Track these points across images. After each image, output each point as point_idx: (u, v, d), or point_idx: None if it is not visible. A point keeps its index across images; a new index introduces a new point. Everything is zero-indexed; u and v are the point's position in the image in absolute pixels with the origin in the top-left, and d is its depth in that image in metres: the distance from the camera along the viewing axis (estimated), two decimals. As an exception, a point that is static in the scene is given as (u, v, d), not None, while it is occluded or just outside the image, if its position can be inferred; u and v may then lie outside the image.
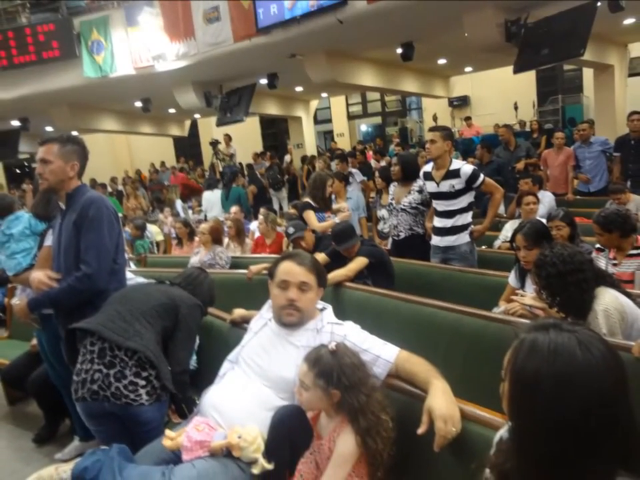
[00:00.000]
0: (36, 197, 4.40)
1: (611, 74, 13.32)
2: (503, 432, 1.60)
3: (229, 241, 7.21)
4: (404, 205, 5.66)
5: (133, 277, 4.39)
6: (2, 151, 15.56)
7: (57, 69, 12.57)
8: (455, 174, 5.01)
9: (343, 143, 21.82)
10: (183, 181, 16.36)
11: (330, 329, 2.61)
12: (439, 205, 5.20)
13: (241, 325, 3.40)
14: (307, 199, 6.11)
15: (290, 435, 2.28)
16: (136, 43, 12.22)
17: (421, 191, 5.59)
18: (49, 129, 16.24)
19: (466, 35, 9.95)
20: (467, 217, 5.14)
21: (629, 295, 3.09)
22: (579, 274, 2.93)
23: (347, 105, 24.51)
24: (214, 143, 15.45)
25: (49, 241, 3.75)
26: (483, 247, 5.82)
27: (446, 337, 3.37)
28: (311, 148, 18.58)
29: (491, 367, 1.67)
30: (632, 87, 14.48)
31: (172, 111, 16.76)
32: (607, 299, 2.93)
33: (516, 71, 9.85)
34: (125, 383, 2.71)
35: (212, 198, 10.99)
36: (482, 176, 5.06)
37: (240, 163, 16.77)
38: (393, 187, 6.02)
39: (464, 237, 5.09)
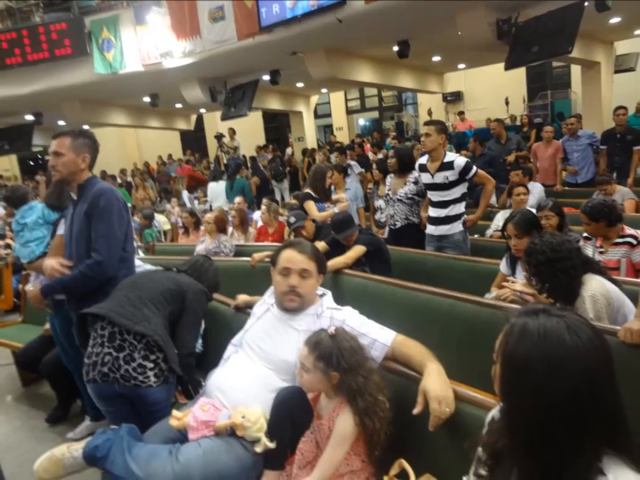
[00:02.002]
0: (49, 187, 4.39)
1: (597, 71, 13.26)
2: (494, 412, 1.60)
3: (233, 230, 7.20)
4: (400, 196, 5.64)
5: (141, 264, 4.38)
6: (16, 143, 15.52)
7: (69, 65, 12.52)
8: (449, 166, 4.99)
9: (342, 137, 21.78)
10: (189, 172, 16.34)
11: (329, 313, 2.60)
12: (433, 196, 5.19)
13: (244, 310, 3.39)
14: (308, 190, 6.10)
15: (291, 415, 2.28)
16: (144, 41, 12.18)
17: (416, 182, 5.57)
18: (61, 123, 16.19)
19: (459, 33, 9.90)
20: (460, 207, 5.12)
21: (615, 282, 3.08)
22: (567, 261, 2.92)
23: (346, 100, 24.43)
24: (219, 137, 15.40)
25: (61, 229, 3.75)
26: (476, 236, 5.82)
27: (440, 321, 3.37)
28: (311, 141, 18.53)
29: (483, 350, 1.66)
30: (618, 83, 14.43)
31: (179, 105, 16.71)
32: (594, 285, 2.92)
33: (507, 68, 9.83)
34: (134, 366, 2.71)
35: (217, 189, 10.99)
36: (475, 168, 5.04)
37: (244, 156, 16.72)
38: (390, 179, 6.00)
39: (457, 226, 5.08)
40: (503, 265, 4.00)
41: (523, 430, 1.27)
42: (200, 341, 3.66)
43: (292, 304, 2.61)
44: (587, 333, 1.25)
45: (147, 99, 14.44)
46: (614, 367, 1.27)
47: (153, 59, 12.16)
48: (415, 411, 2.05)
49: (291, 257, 2.65)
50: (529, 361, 1.25)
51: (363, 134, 22.62)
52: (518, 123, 15.02)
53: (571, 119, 8.98)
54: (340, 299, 2.83)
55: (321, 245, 4.73)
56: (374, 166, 7.60)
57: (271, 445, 2.26)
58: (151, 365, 2.76)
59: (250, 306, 3.22)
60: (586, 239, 4.31)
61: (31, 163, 25.62)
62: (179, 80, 12.99)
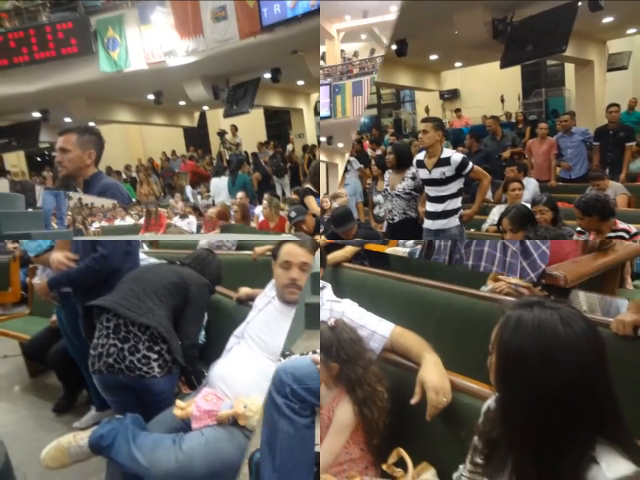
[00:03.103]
0: (55, 183, 4.38)
1: (590, 69, 13.21)
2: (490, 402, 1.60)
3: (236, 224, 7.20)
4: (398, 191, 5.63)
5: (145, 257, 4.38)
6: (24, 140, 15.50)
7: (75, 64, 12.49)
8: (446, 162, 4.97)
9: (342, 134, 21.71)
10: (192, 168, 16.29)
11: (329, 306, 2.59)
12: (430, 191, 5.17)
13: (246, 303, 3.38)
14: (308, 185, 6.09)
15: (292, 405, 2.28)
16: (149, 40, 12.15)
17: (414, 178, 5.55)
18: (67, 120, 16.13)
19: (456, 32, 9.89)
20: (457, 202, 5.11)
21: (607, 275, 3.08)
22: (561, 255, 2.92)
23: (345, 98, 24.37)
24: (221, 133, 15.38)
25: (67, 224, 3.75)
26: (472, 230, 5.80)
27: (437, 313, 3.36)
28: (311, 138, 18.46)
29: (480, 342, 1.65)
30: (610, 81, 14.38)
31: (182, 103, 16.64)
32: (587, 279, 2.92)
33: (502, 66, 9.83)
34: (139, 357, 2.71)
35: (219, 184, 10.99)
36: (471, 164, 5.03)
37: (245, 152, 16.66)
38: (388, 174, 5.98)
39: (454, 221, 5.06)
40: (499, 259, 4.00)
41: (518, 419, 1.28)
42: (203, 333, 3.65)
43: (293, 296, 2.62)
44: (581, 325, 1.26)
45: (151, 97, 14.40)
46: (606, 358, 1.27)
47: (157, 57, 12.13)
48: (413, 400, 2.04)
49: (292, 251, 2.66)
50: (524, 352, 1.25)
51: (361, 131, 22.53)
52: (513, 120, 14.94)
53: (565, 116, 8.96)
54: (339, 292, 2.82)
55: (320, 239, 4.73)
56: (372, 162, 7.59)
57: (272, 434, 2.26)
58: (155, 356, 2.75)
59: (252, 298, 3.22)
60: (579, 232, 4.31)
61: (38, 159, 25.55)
62: (182, 78, 12.94)
